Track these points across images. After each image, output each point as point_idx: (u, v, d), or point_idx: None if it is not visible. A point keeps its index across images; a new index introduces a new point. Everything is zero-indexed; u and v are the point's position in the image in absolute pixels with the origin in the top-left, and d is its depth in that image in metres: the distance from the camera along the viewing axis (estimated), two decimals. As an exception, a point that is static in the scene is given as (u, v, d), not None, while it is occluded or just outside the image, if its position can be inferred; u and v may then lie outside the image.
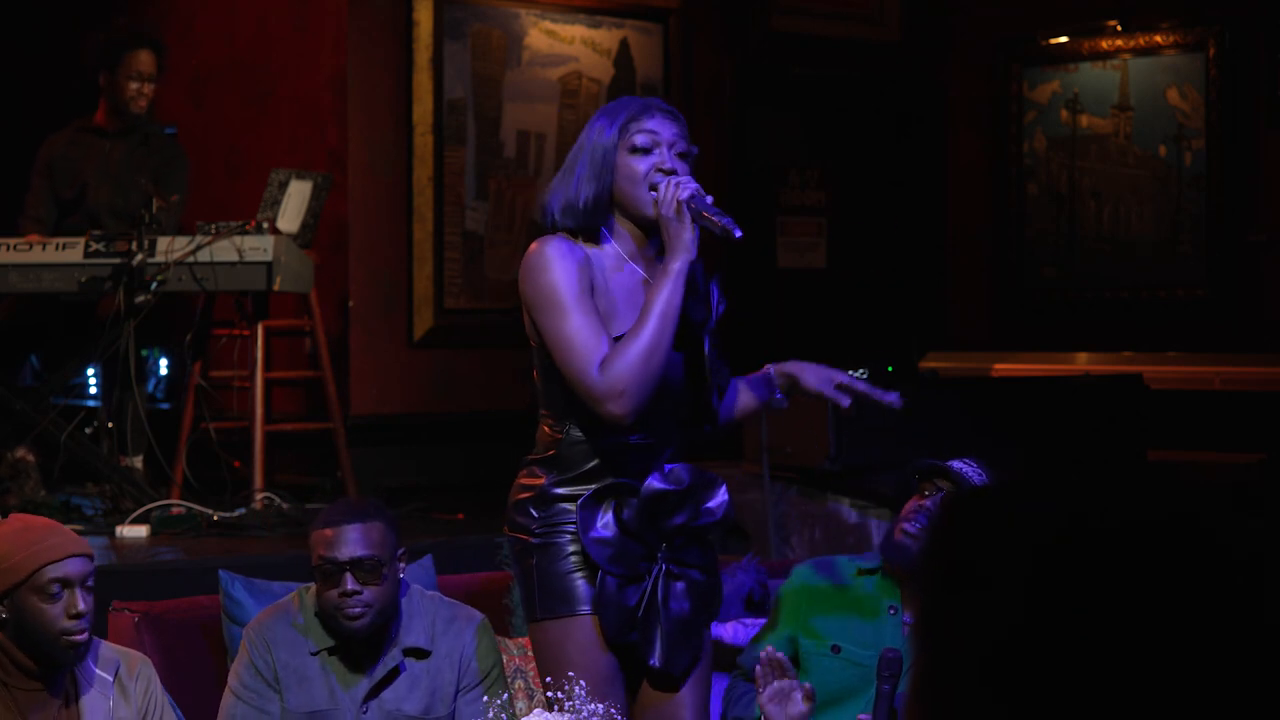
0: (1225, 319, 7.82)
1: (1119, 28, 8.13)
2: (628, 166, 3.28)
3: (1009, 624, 1.14)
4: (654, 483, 3.29)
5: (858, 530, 5.85)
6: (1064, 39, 8.31)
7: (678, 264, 3.20)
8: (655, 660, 3.31)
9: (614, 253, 3.33)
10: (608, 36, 7.67)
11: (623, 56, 7.71)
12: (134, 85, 6.24)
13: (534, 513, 3.31)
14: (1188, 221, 7.97)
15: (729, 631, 4.25)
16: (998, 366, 7.75)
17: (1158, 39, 8.04)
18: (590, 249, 3.30)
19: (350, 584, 3.57)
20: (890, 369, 6.41)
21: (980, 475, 3.72)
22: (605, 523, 3.28)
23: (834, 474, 6.05)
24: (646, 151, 3.28)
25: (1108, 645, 1.11)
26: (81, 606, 3.30)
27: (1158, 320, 8.01)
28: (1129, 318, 8.12)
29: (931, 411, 6.10)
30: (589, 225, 3.31)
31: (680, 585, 3.34)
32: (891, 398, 3.45)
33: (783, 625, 3.79)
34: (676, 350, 3.30)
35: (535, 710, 3.09)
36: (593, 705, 3.01)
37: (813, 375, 3.50)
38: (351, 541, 3.58)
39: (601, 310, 3.24)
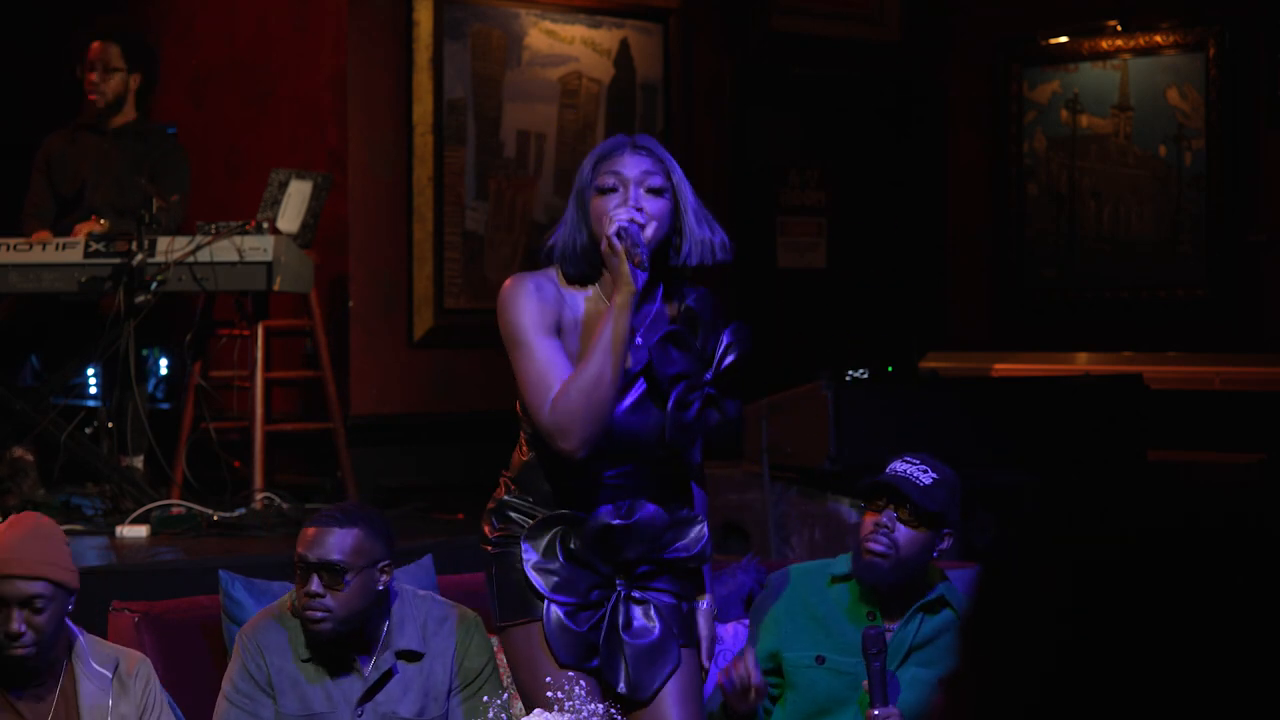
0: (1225, 319, 7.82)
1: (1119, 28, 8.13)
2: (596, 207, 3.31)
3: (1059, 642, 1.13)
4: (602, 515, 3.31)
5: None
6: (1064, 39, 8.31)
7: (619, 299, 3.22)
8: (621, 686, 3.32)
9: (595, 292, 3.35)
10: (608, 36, 7.67)
11: (623, 56, 7.71)
12: (91, 76, 6.26)
13: (495, 523, 3.40)
14: (1188, 221, 7.97)
15: (729, 632, 4.25)
16: (998, 366, 7.75)
17: (1158, 39, 8.04)
18: (572, 290, 3.34)
19: (315, 585, 3.57)
20: (890, 369, 6.41)
21: (927, 471, 3.75)
22: (550, 551, 3.31)
23: (834, 474, 6.05)
24: (612, 191, 3.30)
25: (1159, 661, 1.10)
26: (15, 627, 3.33)
27: (1158, 320, 8.00)
28: (1129, 318, 8.12)
29: (931, 411, 6.10)
30: (588, 269, 3.34)
31: (645, 609, 3.36)
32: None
33: (764, 641, 3.80)
34: (648, 404, 3.31)
35: (535, 710, 3.10)
36: (593, 705, 3.01)
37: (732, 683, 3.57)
38: (325, 544, 3.59)
39: (570, 350, 3.28)
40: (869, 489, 3.80)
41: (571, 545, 3.30)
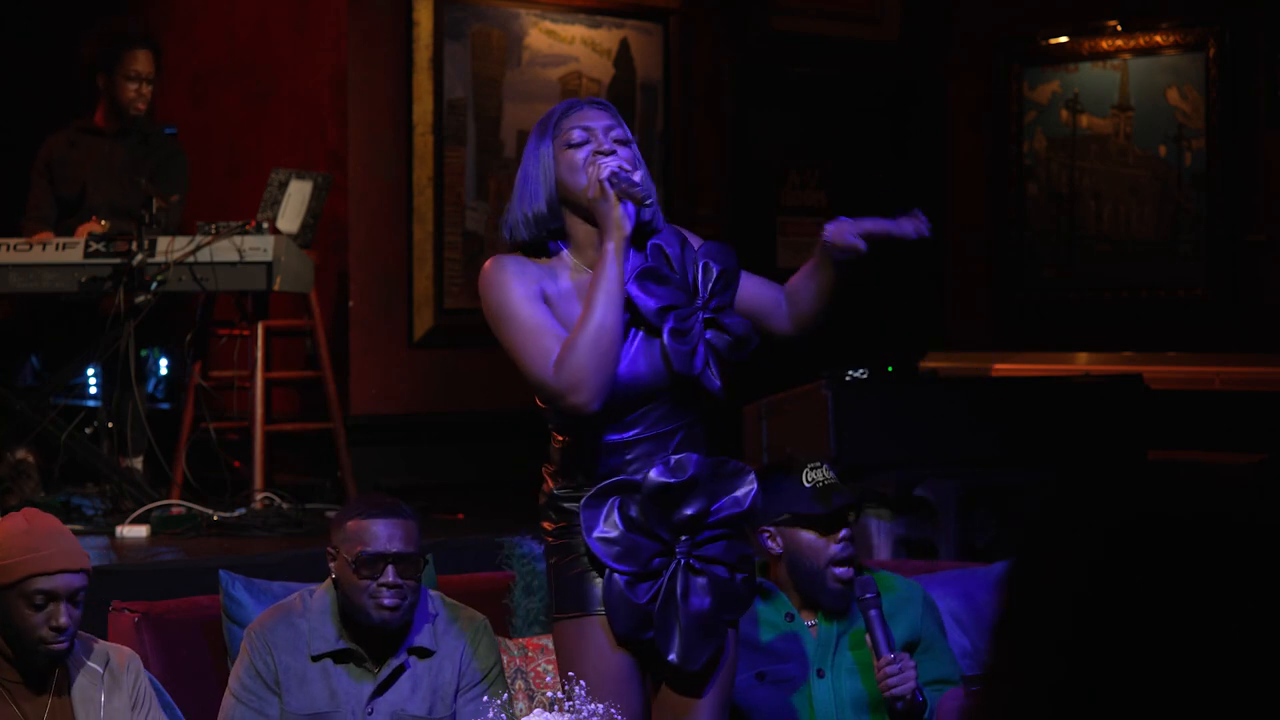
0: (1225, 319, 7.82)
1: (1119, 28, 8.13)
2: (567, 160, 3.30)
3: (1072, 610, 1.14)
4: (655, 475, 3.27)
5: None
6: (1064, 39, 8.31)
7: (609, 244, 3.20)
8: (673, 655, 3.28)
9: (570, 261, 3.33)
10: (608, 36, 7.67)
11: (623, 56, 7.71)
12: (133, 86, 6.25)
13: (553, 516, 3.36)
14: (1188, 221, 7.97)
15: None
16: (998, 366, 7.75)
17: (1158, 39, 8.04)
18: (544, 262, 3.32)
19: (392, 576, 3.60)
20: (890, 369, 6.41)
21: (831, 469, 3.78)
22: (610, 521, 3.27)
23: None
24: (584, 143, 3.30)
25: (1165, 637, 1.11)
26: (63, 620, 3.34)
27: (1158, 320, 8.00)
28: (1129, 318, 8.12)
29: (931, 411, 6.10)
30: (545, 234, 3.32)
31: (701, 581, 3.31)
32: (907, 228, 3.36)
33: None
34: (648, 348, 3.28)
35: (535, 710, 3.10)
36: (592, 705, 3.01)
37: (832, 229, 3.36)
38: (396, 537, 3.63)
39: (560, 316, 3.25)
40: (828, 520, 3.77)
41: (631, 513, 3.27)
